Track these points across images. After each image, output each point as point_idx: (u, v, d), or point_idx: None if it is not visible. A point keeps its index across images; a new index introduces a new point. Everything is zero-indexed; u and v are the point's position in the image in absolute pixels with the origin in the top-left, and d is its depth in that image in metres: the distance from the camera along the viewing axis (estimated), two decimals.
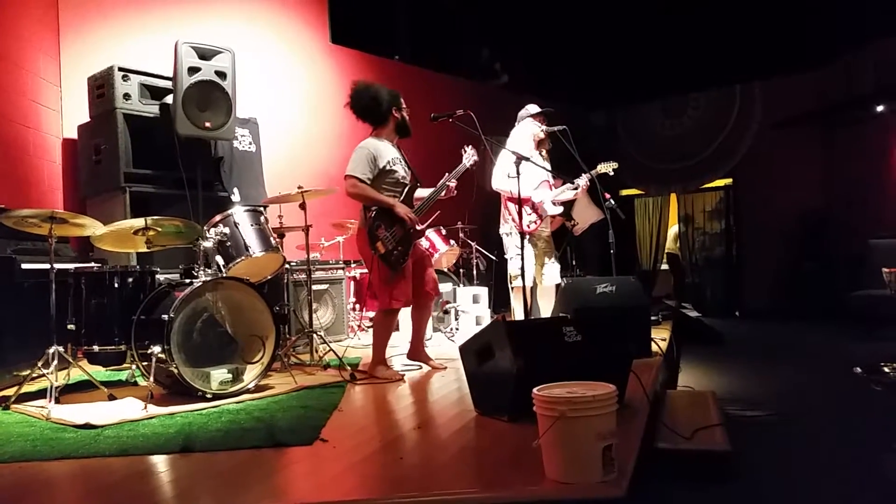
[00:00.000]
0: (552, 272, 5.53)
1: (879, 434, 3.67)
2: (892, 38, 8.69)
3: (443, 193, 4.60)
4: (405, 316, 5.02)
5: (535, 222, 5.45)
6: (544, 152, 5.61)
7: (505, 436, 2.85)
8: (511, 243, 5.46)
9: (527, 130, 5.52)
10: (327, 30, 8.25)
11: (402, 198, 4.43)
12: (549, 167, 5.54)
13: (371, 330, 6.62)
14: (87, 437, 2.98)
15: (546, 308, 5.50)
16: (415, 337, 4.73)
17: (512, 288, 5.50)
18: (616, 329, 3.36)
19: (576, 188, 5.45)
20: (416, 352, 4.70)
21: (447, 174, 4.62)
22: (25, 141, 5.47)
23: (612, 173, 5.64)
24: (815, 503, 2.85)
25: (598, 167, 5.58)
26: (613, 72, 11.21)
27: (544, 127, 5.51)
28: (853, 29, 8.93)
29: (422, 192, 4.64)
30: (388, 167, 4.40)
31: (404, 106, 4.56)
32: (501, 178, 5.35)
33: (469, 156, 4.76)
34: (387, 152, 4.44)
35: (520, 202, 4.44)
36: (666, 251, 12.44)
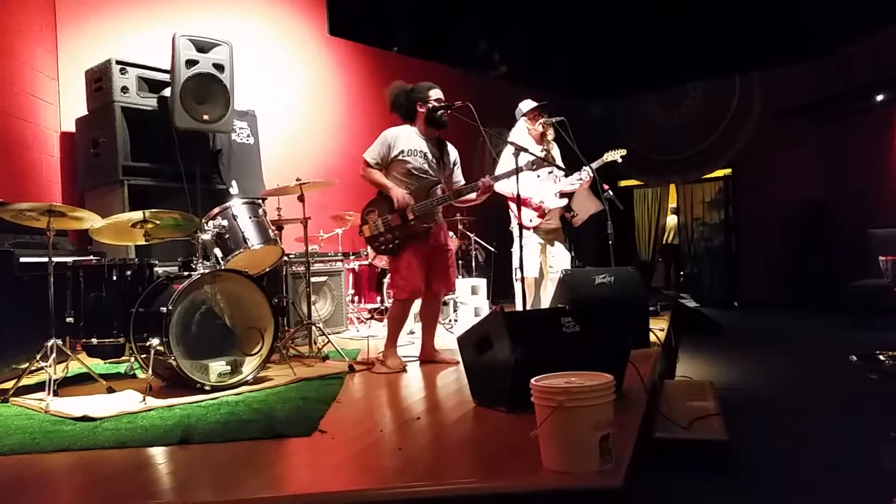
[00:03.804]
0: (558, 264, 5.51)
1: (876, 423, 3.68)
2: (890, 28, 8.66)
3: (473, 195, 4.46)
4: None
5: (539, 218, 5.44)
6: (548, 144, 5.56)
7: (503, 426, 2.86)
8: (515, 236, 5.45)
9: (523, 128, 5.50)
10: (325, 21, 8.22)
11: (413, 190, 4.36)
12: (555, 159, 5.51)
13: (370, 321, 6.70)
14: (86, 430, 2.98)
15: (548, 300, 5.49)
16: (424, 336, 4.67)
17: (516, 279, 5.49)
18: (614, 319, 3.35)
19: (580, 180, 5.43)
20: (427, 352, 4.62)
21: (487, 175, 4.47)
22: (23, 135, 5.46)
23: (620, 160, 5.61)
24: (812, 492, 2.86)
25: (606, 155, 5.54)
26: (612, 62, 11.20)
27: (540, 122, 5.47)
28: (852, 19, 8.91)
29: None
30: (401, 156, 4.38)
31: (433, 97, 4.45)
32: (502, 180, 5.33)
33: (528, 165, 4.47)
34: (407, 141, 4.41)
35: (518, 194, 4.42)
36: (664, 242, 12.46)
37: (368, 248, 6.20)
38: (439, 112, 4.46)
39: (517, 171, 4.29)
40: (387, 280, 6.31)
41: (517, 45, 11.05)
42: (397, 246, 4.36)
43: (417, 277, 4.38)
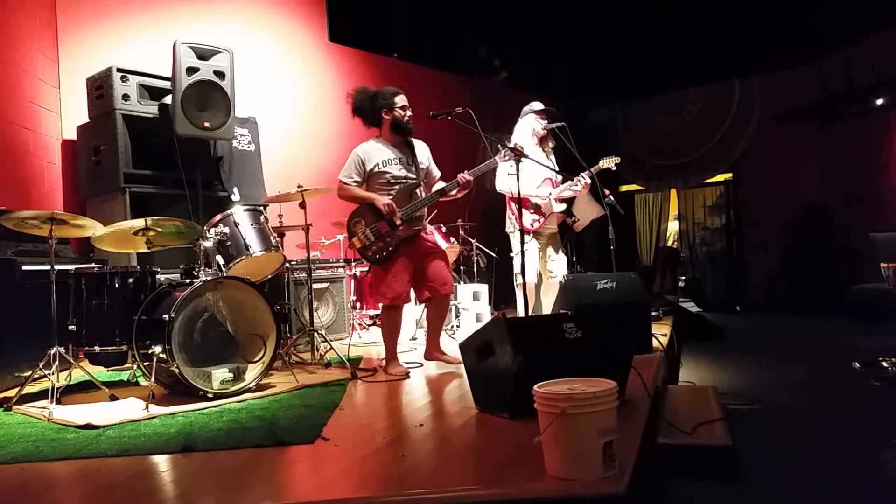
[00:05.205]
0: (557, 268, 5.53)
1: (879, 430, 3.67)
2: (890, 31, 8.67)
3: (454, 192, 4.50)
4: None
5: (539, 221, 5.45)
6: (548, 149, 5.59)
7: (506, 433, 2.85)
8: (515, 241, 5.46)
9: (528, 127, 5.52)
10: (325, 28, 8.25)
11: (395, 195, 4.41)
12: (553, 164, 5.53)
13: (371, 328, 6.69)
14: (89, 438, 2.99)
15: (549, 304, 5.50)
16: (427, 336, 4.71)
17: (517, 285, 5.49)
18: (616, 325, 3.35)
19: (576, 187, 5.43)
20: (430, 352, 4.66)
21: (465, 171, 4.49)
22: (25, 142, 5.47)
23: (614, 167, 5.63)
24: (814, 499, 2.85)
25: (601, 162, 5.57)
26: (612, 67, 11.21)
27: (544, 123, 5.50)
28: (852, 21, 8.92)
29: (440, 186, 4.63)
30: (377, 169, 4.45)
31: (398, 104, 4.50)
32: (503, 178, 5.36)
33: (501, 155, 4.51)
34: (377, 154, 4.48)
35: (519, 198, 4.42)
36: (660, 245, 12.48)
37: None
38: (407, 120, 4.51)
39: (519, 154, 4.32)
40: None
41: (517, 51, 11.06)
42: (390, 253, 4.39)
43: (402, 284, 4.41)
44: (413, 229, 4.45)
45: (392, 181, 4.46)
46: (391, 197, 4.41)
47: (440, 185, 4.59)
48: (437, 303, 4.64)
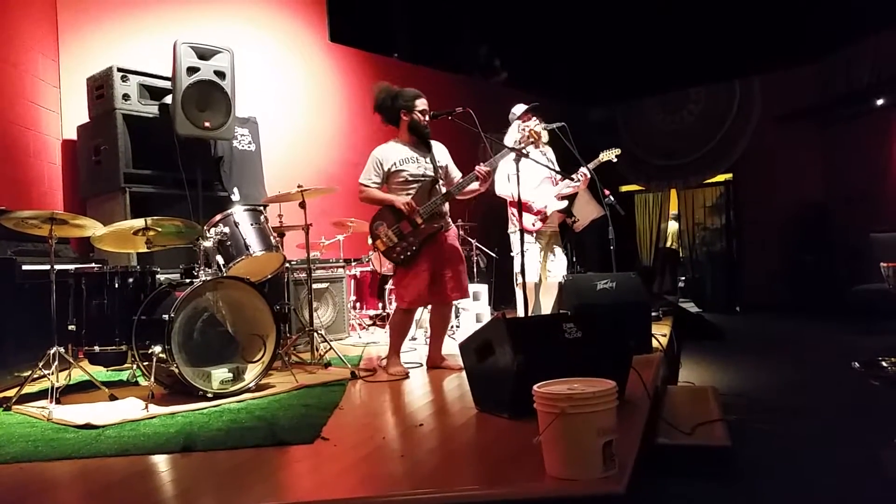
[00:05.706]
0: (556, 269, 5.53)
1: (879, 430, 3.67)
2: (891, 31, 8.66)
3: (476, 185, 4.45)
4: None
5: (541, 222, 5.45)
6: (543, 146, 5.58)
7: (505, 433, 2.86)
8: (516, 241, 5.46)
9: (516, 134, 5.51)
10: (326, 28, 8.25)
11: (415, 194, 4.40)
12: (551, 161, 5.52)
13: (371, 328, 6.70)
14: (89, 438, 2.99)
15: (548, 305, 5.50)
16: (430, 343, 4.70)
17: (517, 285, 5.50)
18: (616, 325, 3.35)
19: (576, 182, 5.43)
20: (432, 359, 4.64)
21: (481, 164, 4.47)
22: (25, 142, 5.47)
23: (615, 159, 5.63)
24: (814, 499, 2.85)
25: (601, 155, 5.57)
26: (612, 67, 11.22)
27: (539, 124, 5.48)
28: (852, 22, 8.92)
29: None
30: (394, 168, 4.45)
31: (419, 107, 4.49)
32: (502, 183, 5.36)
33: (516, 142, 4.60)
34: (393, 154, 4.48)
35: (519, 199, 4.42)
36: (659, 246, 12.49)
37: (370, 254, 6.22)
38: (425, 123, 4.51)
39: (519, 155, 4.34)
40: (388, 286, 6.33)
41: (517, 51, 11.06)
42: (415, 252, 4.37)
43: (422, 288, 4.40)
44: (434, 226, 4.41)
45: (410, 179, 4.45)
46: (410, 196, 4.39)
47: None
48: (441, 309, 4.65)
